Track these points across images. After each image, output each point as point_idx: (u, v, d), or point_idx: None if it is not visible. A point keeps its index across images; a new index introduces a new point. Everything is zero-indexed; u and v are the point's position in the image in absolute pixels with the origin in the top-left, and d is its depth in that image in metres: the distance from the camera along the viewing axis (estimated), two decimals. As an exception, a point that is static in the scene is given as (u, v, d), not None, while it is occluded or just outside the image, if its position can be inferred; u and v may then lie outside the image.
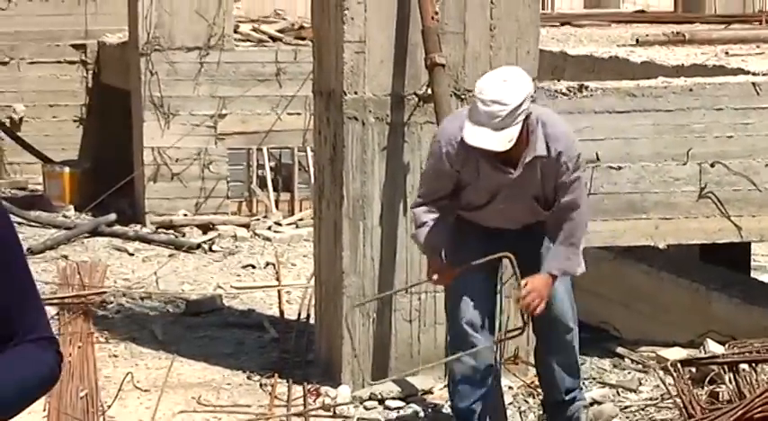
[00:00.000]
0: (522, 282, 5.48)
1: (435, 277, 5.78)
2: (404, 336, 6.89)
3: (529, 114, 5.33)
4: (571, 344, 5.96)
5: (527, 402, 6.68)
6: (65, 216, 11.67)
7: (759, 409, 5.97)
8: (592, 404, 6.28)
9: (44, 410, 6.24)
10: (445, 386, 6.75)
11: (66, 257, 10.08)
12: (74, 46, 13.17)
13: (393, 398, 6.69)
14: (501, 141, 5.23)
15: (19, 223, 10.99)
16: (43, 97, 13.12)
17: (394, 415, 6.53)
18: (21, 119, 13.06)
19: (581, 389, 6.17)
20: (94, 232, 10.96)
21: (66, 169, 12.27)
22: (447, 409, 6.47)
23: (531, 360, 6.69)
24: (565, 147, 5.51)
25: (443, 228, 5.71)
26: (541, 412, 6.35)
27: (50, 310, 8.33)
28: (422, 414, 6.56)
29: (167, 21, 11.11)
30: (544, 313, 5.66)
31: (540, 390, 6.50)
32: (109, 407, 6.58)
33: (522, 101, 5.24)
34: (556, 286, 5.72)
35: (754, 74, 7.93)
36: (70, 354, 7.37)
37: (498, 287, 5.97)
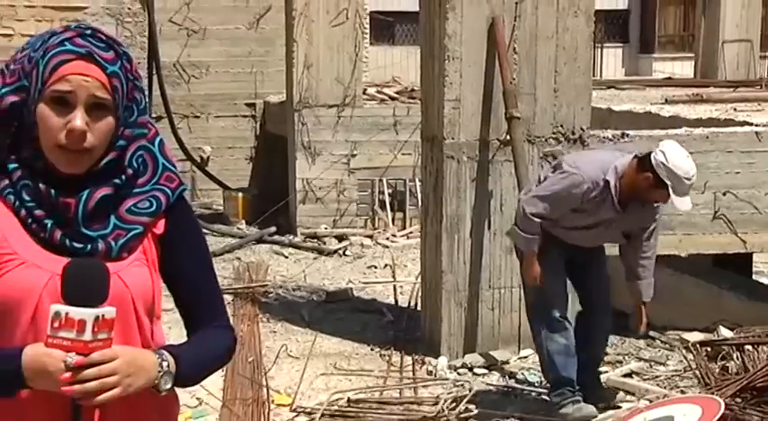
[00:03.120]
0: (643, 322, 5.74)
1: (532, 275, 5.58)
2: (487, 321, 6.83)
3: None
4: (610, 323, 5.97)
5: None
6: (238, 228, 11.78)
7: (761, 379, 5.84)
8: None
9: (223, 371, 6.29)
10: (519, 358, 6.69)
11: (239, 259, 10.17)
12: (246, 104, 13.30)
13: (479, 367, 6.63)
14: (689, 200, 5.33)
15: (205, 233, 11.10)
16: (224, 141, 13.27)
17: (480, 380, 6.47)
18: (208, 157, 13.21)
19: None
20: (260, 240, 11.04)
21: (240, 194, 12.38)
22: (520, 376, 6.41)
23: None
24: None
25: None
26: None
27: (227, 298, 8.40)
28: (501, 379, 6.48)
29: (314, 86, 11.18)
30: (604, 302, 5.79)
31: None
32: (269, 369, 6.61)
33: None
34: (602, 283, 5.77)
35: (756, 125, 7.79)
36: (242, 330, 7.42)
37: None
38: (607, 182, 5.31)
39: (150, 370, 1.93)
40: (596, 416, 5.58)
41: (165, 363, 1.96)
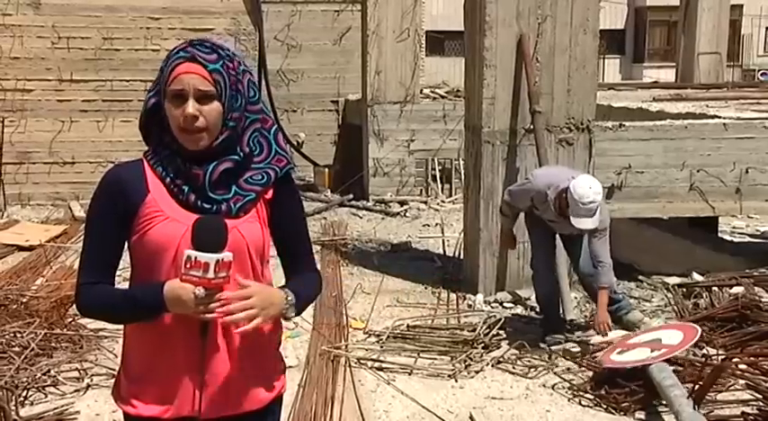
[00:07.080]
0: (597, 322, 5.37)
1: (503, 246, 5.94)
2: (513, 267, 6.78)
3: None
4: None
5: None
6: (325, 195, 11.83)
7: (721, 312, 5.78)
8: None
9: (313, 303, 6.31)
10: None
11: (325, 218, 10.23)
12: (331, 101, 13.30)
13: (508, 302, 6.60)
14: (594, 222, 5.07)
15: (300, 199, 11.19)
16: (315, 129, 13.29)
17: (508, 312, 6.43)
18: (303, 141, 13.24)
19: (622, 297, 6.00)
20: (341, 204, 11.08)
21: (326, 169, 12.42)
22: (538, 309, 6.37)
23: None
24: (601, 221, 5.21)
25: (513, 222, 5.77)
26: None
27: (316, 248, 8.46)
28: (523, 311, 6.44)
29: (383, 87, 11.15)
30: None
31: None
32: (348, 302, 6.64)
33: (601, 197, 5.07)
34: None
35: (724, 118, 7.61)
36: (327, 272, 7.46)
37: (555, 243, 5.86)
38: (546, 195, 5.31)
39: (280, 303, 2.00)
40: (563, 343, 5.52)
41: (290, 298, 2.03)
